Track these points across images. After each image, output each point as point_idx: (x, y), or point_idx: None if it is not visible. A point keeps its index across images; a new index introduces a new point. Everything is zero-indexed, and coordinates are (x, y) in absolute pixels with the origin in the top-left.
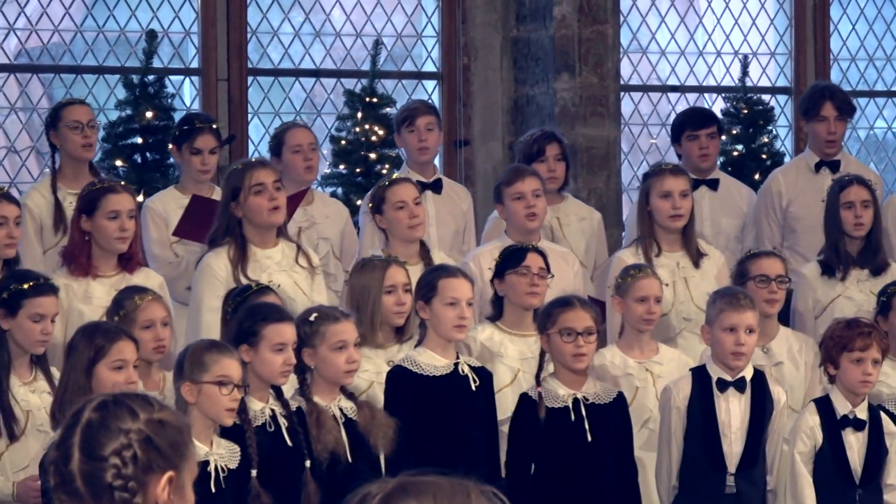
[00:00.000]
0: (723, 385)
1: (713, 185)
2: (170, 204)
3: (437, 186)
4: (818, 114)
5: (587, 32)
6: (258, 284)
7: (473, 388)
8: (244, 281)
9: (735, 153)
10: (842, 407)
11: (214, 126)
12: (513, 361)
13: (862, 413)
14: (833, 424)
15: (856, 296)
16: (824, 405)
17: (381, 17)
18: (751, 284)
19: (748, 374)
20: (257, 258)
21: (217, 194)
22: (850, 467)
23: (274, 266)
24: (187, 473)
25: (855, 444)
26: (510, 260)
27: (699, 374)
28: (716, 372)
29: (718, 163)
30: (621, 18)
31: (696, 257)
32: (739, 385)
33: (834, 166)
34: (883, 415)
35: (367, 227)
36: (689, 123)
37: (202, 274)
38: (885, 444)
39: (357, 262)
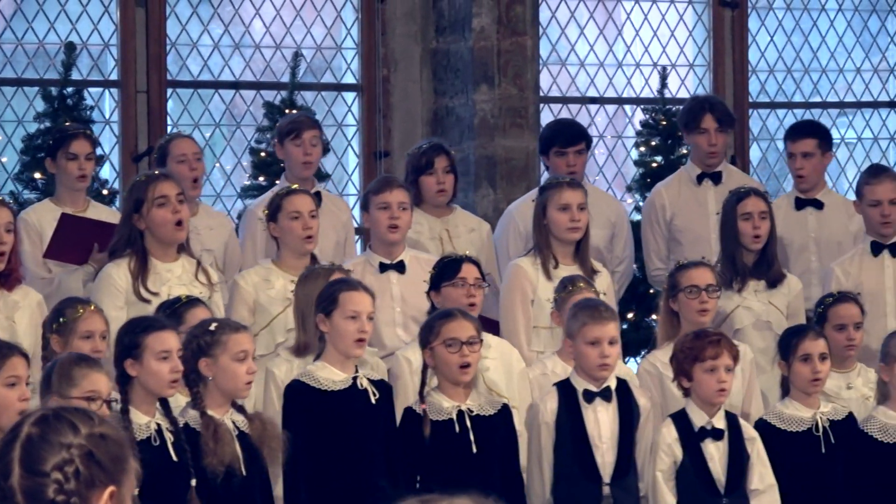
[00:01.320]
0: (589, 396)
1: None
2: (45, 217)
3: (316, 199)
4: (698, 126)
5: (506, 44)
6: (188, 297)
7: (373, 401)
8: (144, 293)
9: (654, 165)
10: (699, 419)
11: (89, 132)
12: None
13: (719, 422)
14: (691, 437)
15: (754, 306)
16: (681, 419)
17: (301, 29)
18: (682, 296)
19: (612, 382)
20: (158, 271)
21: (93, 208)
22: (713, 478)
23: (174, 280)
24: (127, 488)
25: (716, 454)
26: (446, 272)
27: (564, 388)
28: (580, 384)
29: (633, 175)
30: (540, 30)
31: (590, 273)
32: (605, 395)
33: (716, 178)
34: (742, 421)
35: (261, 235)
36: (559, 140)
37: (102, 283)
38: (745, 451)
39: (302, 272)
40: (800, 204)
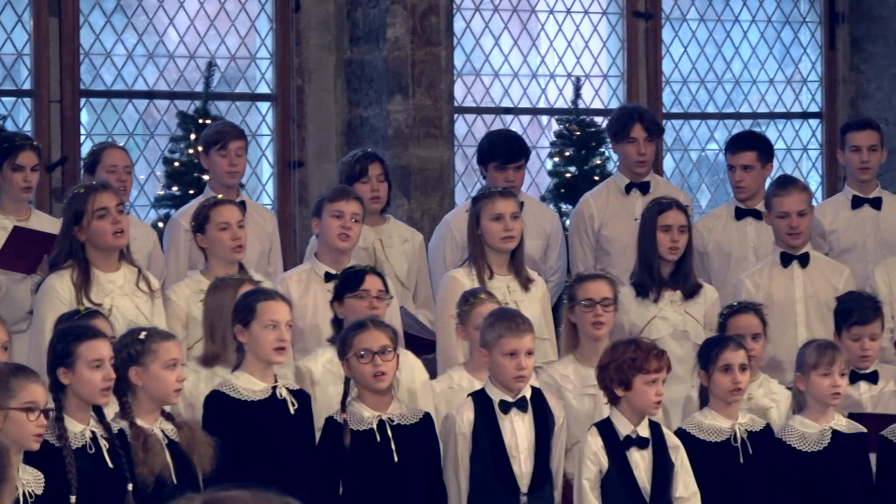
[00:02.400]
0: (505, 406)
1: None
2: None
3: (241, 209)
4: (628, 135)
5: (420, 54)
6: (87, 309)
7: (292, 411)
8: (87, 305)
9: (568, 175)
10: (624, 427)
11: (35, 144)
12: None
13: (644, 431)
14: (617, 446)
15: (670, 316)
16: (606, 428)
17: (215, 38)
18: (578, 308)
19: (527, 392)
20: (100, 282)
21: (35, 216)
22: (638, 486)
23: (116, 290)
24: (7, 496)
25: (641, 463)
26: (349, 283)
27: (480, 398)
28: (496, 394)
29: (546, 185)
30: (455, 40)
31: (526, 282)
32: (521, 405)
33: (644, 188)
34: (665, 430)
35: (177, 243)
36: (500, 156)
37: (44, 296)
38: (670, 459)
39: (211, 283)
40: (739, 214)
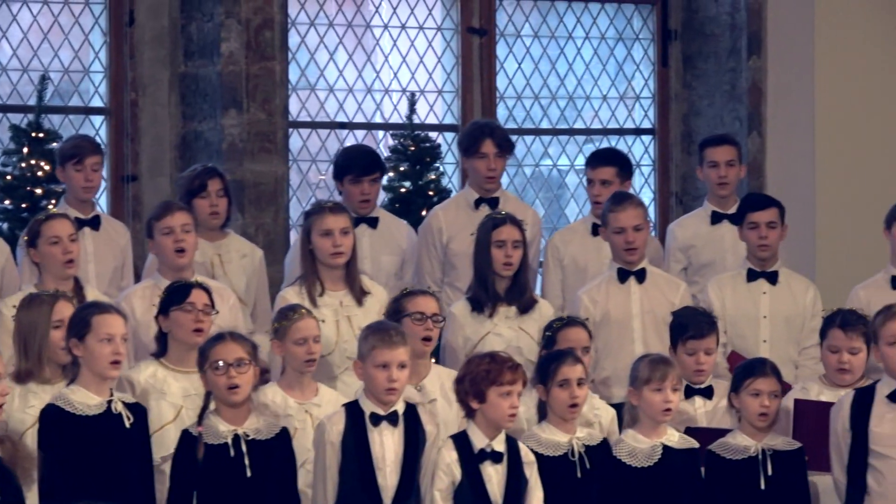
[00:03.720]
0: (376, 419)
1: (373, 223)
2: None
3: (95, 223)
4: (478, 151)
5: (255, 69)
6: None
7: (127, 425)
8: None
9: (402, 190)
10: (479, 441)
11: None
12: (176, 398)
13: (499, 445)
14: (471, 459)
15: (504, 332)
16: (461, 440)
17: (48, 52)
18: (407, 321)
19: (400, 407)
20: None
21: None
22: (490, 499)
23: None
24: None
25: (494, 476)
26: (175, 296)
27: (352, 409)
28: (368, 406)
29: (381, 201)
30: (289, 55)
31: (360, 295)
32: (392, 419)
33: (493, 203)
34: (521, 444)
35: (24, 261)
36: (354, 168)
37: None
38: (524, 474)
39: (24, 298)
40: (596, 230)
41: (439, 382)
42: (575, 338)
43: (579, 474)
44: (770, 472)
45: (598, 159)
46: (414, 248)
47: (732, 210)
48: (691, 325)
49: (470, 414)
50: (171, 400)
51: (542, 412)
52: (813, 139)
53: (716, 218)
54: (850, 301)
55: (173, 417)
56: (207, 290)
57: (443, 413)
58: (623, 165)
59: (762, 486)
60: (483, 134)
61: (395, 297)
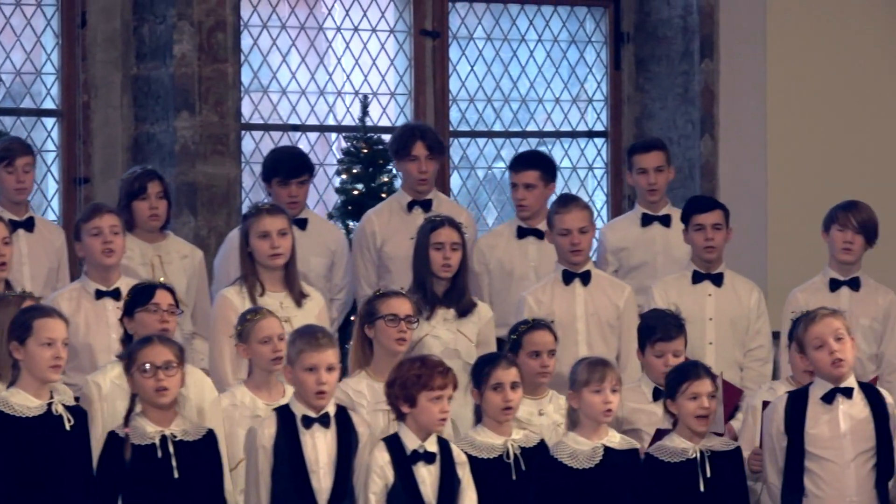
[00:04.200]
0: (308, 421)
1: (302, 224)
2: None
3: (29, 225)
4: (409, 153)
5: (207, 71)
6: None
7: (68, 427)
8: None
9: (355, 192)
10: (411, 443)
11: None
12: None
13: (432, 446)
14: (404, 461)
15: (443, 335)
16: (394, 443)
17: (0, 53)
18: (380, 323)
19: (331, 409)
20: None
21: None
22: (424, 501)
23: None
24: None
25: (427, 478)
26: (139, 297)
27: (283, 413)
28: (300, 409)
29: (334, 203)
30: (242, 57)
31: (299, 297)
32: (324, 421)
33: (426, 205)
34: (453, 446)
35: None
36: (282, 171)
37: None
38: (456, 474)
39: None
40: (521, 233)
41: None
42: (541, 341)
43: (514, 476)
44: (709, 473)
45: (522, 163)
46: (343, 249)
47: (663, 212)
48: (659, 327)
49: (400, 417)
50: None
51: (478, 415)
52: (765, 142)
53: (646, 220)
54: (788, 303)
55: None
56: (171, 290)
57: None
58: (547, 168)
59: (701, 488)
60: (413, 136)
61: (368, 298)
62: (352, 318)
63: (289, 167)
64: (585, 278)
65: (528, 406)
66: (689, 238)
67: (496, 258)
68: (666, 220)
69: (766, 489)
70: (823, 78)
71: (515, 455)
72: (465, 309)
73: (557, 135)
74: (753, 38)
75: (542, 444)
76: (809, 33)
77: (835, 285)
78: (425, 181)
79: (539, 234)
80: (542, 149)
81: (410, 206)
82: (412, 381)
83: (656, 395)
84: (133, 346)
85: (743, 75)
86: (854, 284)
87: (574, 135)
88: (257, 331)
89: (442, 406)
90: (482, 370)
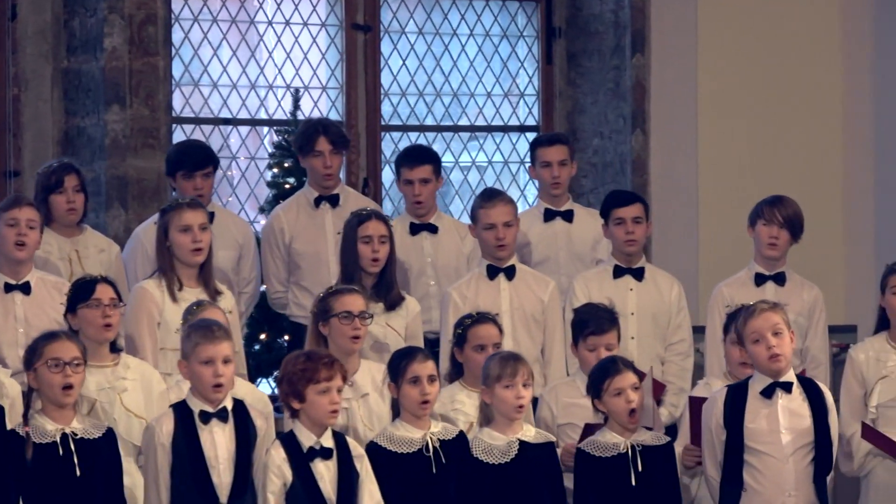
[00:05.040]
0: (206, 416)
1: (209, 218)
2: None
3: None
4: (313, 149)
5: (138, 64)
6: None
7: None
8: None
9: (287, 186)
10: (307, 439)
11: None
12: (90, 393)
13: (328, 442)
14: (300, 458)
15: (372, 329)
16: (289, 440)
17: None
18: (334, 321)
19: (229, 403)
20: None
21: None
22: (324, 497)
23: None
24: None
25: (326, 474)
26: (80, 293)
27: (180, 409)
28: (197, 405)
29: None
30: (173, 51)
31: (214, 294)
32: (222, 415)
33: (333, 200)
34: (349, 440)
35: None
36: (186, 163)
37: None
38: (355, 468)
39: None
40: (414, 229)
41: (370, 376)
42: (486, 334)
43: (434, 470)
44: (640, 468)
45: (416, 158)
46: (250, 242)
47: (566, 207)
48: (592, 320)
49: (294, 414)
50: (86, 394)
51: (396, 410)
52: (696, 137)
53: (549, 215)
54: (714, 298)
55: (87, 412)
56: (112, 284)
57: (376, 407)
58: (438, 162)
59: (633, 483)
60: (316, 132)
61: (321, 295)
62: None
63: (193, 160)
64: (510, 273)
65: (475, 400)
66: (609, 232)
67: None
68: (568, 216)
69: (704, 483)
70: (754, 73)
71: (435, 448)
72: (393, 302)
73: (489, 129)
74: (685, 33)
75: (461, 436)
76: (740, 28)
77: (760, 280)
78: (331, 176)
79: (432, 229)
80: (474, 143)
81: (318, 201)
82: (298, 376)
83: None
84: (38, 341)
85: (674, 70)
86: (779, 279)
87: (506, 129)
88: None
89: (331, 398)
90: (399, 364)
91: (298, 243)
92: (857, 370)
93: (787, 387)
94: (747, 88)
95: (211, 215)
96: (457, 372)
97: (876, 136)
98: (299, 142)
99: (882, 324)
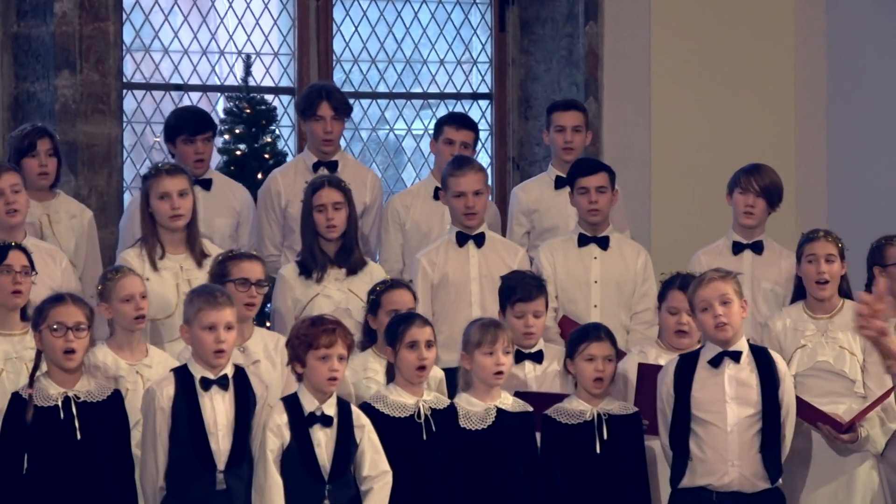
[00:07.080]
0: (206, 383)
1: (206, 184)
2: None
3: None
4: (315, 113)
5: (88, 29)
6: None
7: None
8: None
9: (238, 153)
10: (309, 404)
11: None
12: None
13: (330, 409)
14: (301, 422)
15: (334, 294)
16: (292, 403)
17: None
18: (230, 286)
19: (230, 370)
20: None
21: None
22: (318, 463)
23: None
24: None
25: (323, 441)
26: None
27: (182, 374)
28: (198, 371)
29: (216, 163)
30: (124, 16)
31: (200, 258)
32: (222, 382)
33: (331, 166)
34: (354, 408)
35: None
36: (186, 128)
37: None
38: (354, 438)
39: None
40: (438, 194)
41: (262, 344)
42: (399, 300)
43: (424, 437)
44: (606, 436)
45: (462, 121)
46: (248, 210)
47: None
48: (519, 287)
49: (300, 378)
50: None
51: (391, 374)
52: (649, 105)
53: (559, 182)
54: (692, 266)
55: None
56: (26, 251)
57: (266, 375)
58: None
59: (598, 450)
60: (320, 97)
61: (220, 258)
62: None
63: (193, 125)
64: (479, 240)
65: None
66: (574, 201)
67: (412, 219)
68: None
69: (663, 451)
70: (707, 41)
71: (426, 415)
72: (354, 267)
73: (442, 96)
74: (638, 1)
75: (452, 406)
76: None
77: (738, 248)
78: (331, 142)
79: None
80: (427, 111)
81: (316, 166)
82: (300, 341)
83: (518, 357)
84: (44, 303)
85: (627, 38)
86: (757, 248)
87: (459, 96)
88: (118, 289)
89: (330, 365)
90: (396, 329)
91: (293, 207)
92: (773, 340)
93: (736, 356)
94: (700, 57)
95: (209, 182)
96: (369, 339)
97: (828, 106)
98: (302, 105)
99: (799, 293)
